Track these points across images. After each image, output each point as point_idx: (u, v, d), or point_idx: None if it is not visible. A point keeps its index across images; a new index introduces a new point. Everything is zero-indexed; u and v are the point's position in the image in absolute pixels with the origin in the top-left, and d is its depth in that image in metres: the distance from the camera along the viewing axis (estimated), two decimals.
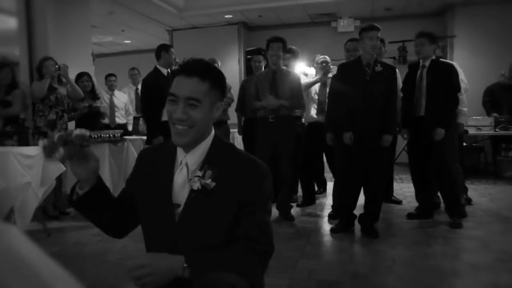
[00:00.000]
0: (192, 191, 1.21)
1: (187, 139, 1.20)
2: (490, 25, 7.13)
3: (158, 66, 4.12)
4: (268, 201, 1.27)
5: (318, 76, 4.57)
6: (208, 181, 1.19)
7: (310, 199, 4.66)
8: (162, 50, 4.12)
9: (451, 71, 3.71)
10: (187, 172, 1.23)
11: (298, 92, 3.95)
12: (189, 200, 1.21)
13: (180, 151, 1.27)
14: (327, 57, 4.70)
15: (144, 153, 1.41)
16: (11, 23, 5.99)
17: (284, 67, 4.06)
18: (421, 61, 3.78)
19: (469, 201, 4.50)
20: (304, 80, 4.79)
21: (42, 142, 1.21)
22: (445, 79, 3.65)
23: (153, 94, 3.88)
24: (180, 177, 1.24)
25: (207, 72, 1.21)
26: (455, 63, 4.42)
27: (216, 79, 1.23)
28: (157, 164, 1.30)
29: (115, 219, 1.32)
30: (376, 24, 3.43)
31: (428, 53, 3.72)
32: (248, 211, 1.19)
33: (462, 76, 4.44)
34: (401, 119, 3.77)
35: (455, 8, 7.45)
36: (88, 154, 1.22)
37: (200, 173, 1.21)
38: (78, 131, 1.20)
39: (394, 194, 4.76)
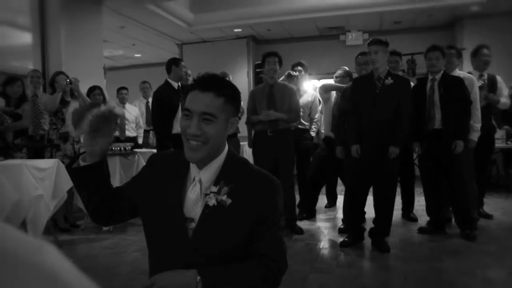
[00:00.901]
0: (206, 206, 1.19)
1: (200, 155, 1.18)
2: (499, 38, 7.10)
3: (168, 80, 4.17)
4: (281, 217, 1.26)
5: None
6: (224, 197, 1.17)
7: (311, 212, 4.64)
8: (172, 64, 4.17)
9: (462, 85, 3.72)
10: (200, 188, 1.22)
11: (296, 105, 3.99)
12: (203, 215, 1.19)
13: (193, 166, 1.24)
14: (341, 70, 4.66)
15: (155, 157, 1.38)
16: (26, 38, 6.12)
17: (280, 81, 4.11)
18: (430, 74, 3.77)
19: (488, 216, 4.40)
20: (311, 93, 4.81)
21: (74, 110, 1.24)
22: (458, 92, 3.66)
23: (163, 107, 3.92)
24: (193, 194, 1.22)
25: (223, 88, 1.19)
26: (499, 78, 4.39)
27: (231, 94, 1.21)
28: (169, 174, 1.27)
29: (104, 204, 1.29)
30: (376, 38, 3.47)
31: (441, 66, 3.75)
32: (263, 227, 1.18)
33: (506, 92, 4.40)
34: (412, 132, 3.74)
35: (464, 21, 7.45)
36: (110, 131, 1.24)
37: (215, 189, 1.19)
38: (118, 110, 1.23)
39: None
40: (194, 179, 1.23)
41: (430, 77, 3.78)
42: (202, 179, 1.22)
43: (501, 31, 7.07)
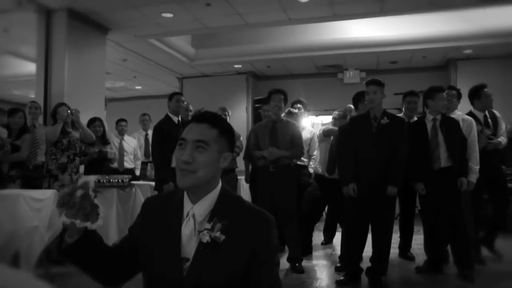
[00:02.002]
0: (200, 243, 1.19)
1: (190, 181, 1.20)
2: (492, 79, 7.22)
3: (169, 114, 4.24)
4: (277, 253, 1.27)
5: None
6: (218, 233, 1.17)
7: (307, 249, 4.60)
8: (168, 100, 4.28)
9: (458, 125, 3.81)
10: (194, 224, 1.22)
11: (299, 142, 4.02)
12: (197, 253, 1.19)
13: (187, 202, 1.25)
14: (338, 111, 4.73)
15: (149, 202, 1.38)
16: (29, 67, 6.22)
17: (283, 118, 4.16)
18: (432, 114, 3.76)
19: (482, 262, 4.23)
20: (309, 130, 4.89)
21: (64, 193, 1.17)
22: (456, 132, 3.73)
23: (164, 141, 3.96)
24: (187, 229, 1.23)
25: (217, 121, 1.26)
26: (498, 114, 4.44)
27: (226, 128, 1.27)
28: (164, 215, 1.28)
29: (109, 268, 1.26)
30: (374, 78, 3.55)
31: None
32: (257, 264, 1.18)
33: (504, 127, 4.44)
34: (415, 173, 3.70)
35: (458, 62, 7.68)
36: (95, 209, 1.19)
37: (208, 226, 1.19)
38: (92, 184, 1.18)
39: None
40: (188, 214, 1.24)
41: (430, 117, 3.77)
42: (196, 213, 1.23)
43: (493, 73, 7.24)
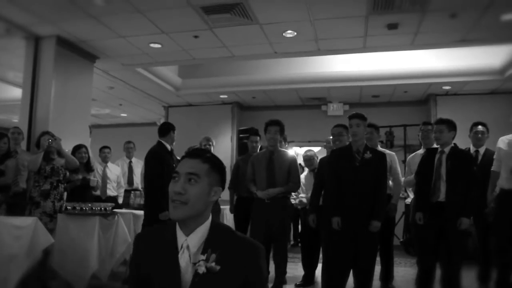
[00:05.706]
0: (196, 274, 1.23)
1: (182, 213, 1.25)
2: (469, 114, 7.47)
3: (162, 141, 4.26)
4: (267, 281, 1.32)
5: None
6: (213, 264, 1.22)
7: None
8: (171, 130, 4.33)
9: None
10: (189, 255, 1.27)
11: (296, 175, 4.04)
12: (193, 284, 1.23)
13: (180, 235, 1.30)
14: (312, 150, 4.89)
15: (141, 237, 1.41)
16: (14, 93, 6.17)
17: (280, 149, 4.21)
18: (439, 147, 3.75)
19: None
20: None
21: None
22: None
23: (162, 166, 3.95)
24: (182, 261, 1.27)
25: (209, 157, 1.34)
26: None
27: (217, 164, 1.34)
28: (159, 248, 1.31)
29: None
30: (358, 112, 3.62)
31: (447, 140, 3.68)
32: None
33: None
34: (416, 203, 3.76)
35: (437, 98, 7.94)
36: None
37: (203, 257, 1.24)
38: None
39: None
40: (182, 246, 1.28)
41: (439, 149, 3.74)
42: (190, 244, 1.27)
43: (469, 109, 7.44)
